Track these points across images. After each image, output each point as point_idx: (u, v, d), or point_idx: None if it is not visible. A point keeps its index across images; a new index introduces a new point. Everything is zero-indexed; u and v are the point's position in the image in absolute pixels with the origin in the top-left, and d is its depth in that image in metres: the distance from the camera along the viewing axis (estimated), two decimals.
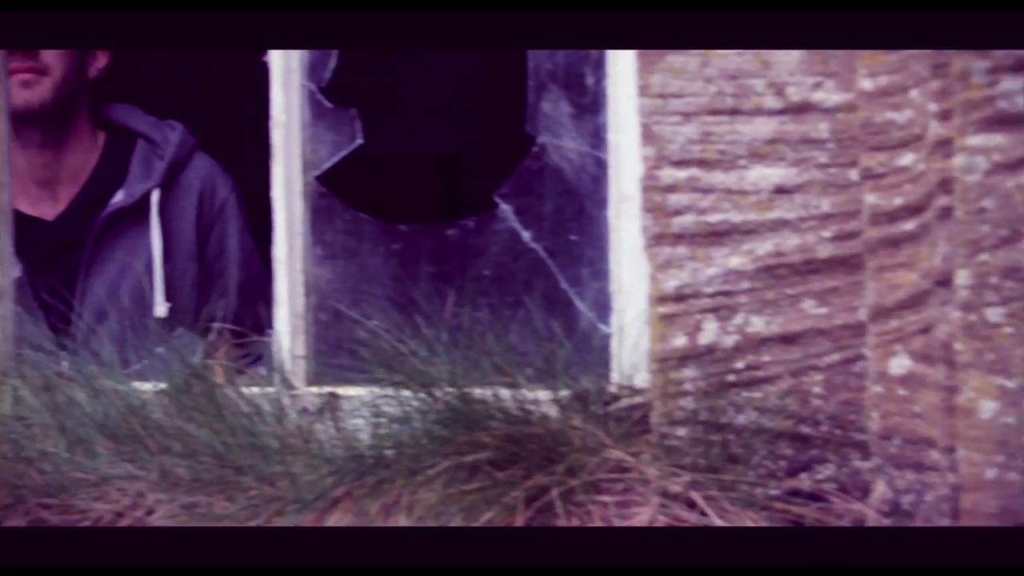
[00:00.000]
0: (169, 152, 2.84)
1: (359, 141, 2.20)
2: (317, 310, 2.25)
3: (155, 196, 2.81)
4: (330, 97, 2.20)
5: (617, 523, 1.73)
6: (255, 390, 2.18)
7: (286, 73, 2.21)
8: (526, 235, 2.12)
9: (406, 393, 1.93)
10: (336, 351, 2.25)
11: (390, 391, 2.03)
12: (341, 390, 2.18)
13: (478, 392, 1.85)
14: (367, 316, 2.18)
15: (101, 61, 2.86)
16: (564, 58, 2.06)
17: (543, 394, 1.92)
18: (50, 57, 2.77)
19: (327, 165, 2.21)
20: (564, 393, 1.93)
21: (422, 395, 1.89)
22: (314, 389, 2.21)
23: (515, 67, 2.18)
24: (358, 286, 2.23)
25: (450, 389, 1.85)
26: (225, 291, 2.81)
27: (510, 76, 2.34)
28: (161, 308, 2.75)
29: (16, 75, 2.74)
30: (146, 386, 2.21)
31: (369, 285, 2.23)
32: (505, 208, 2.12)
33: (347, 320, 2.23)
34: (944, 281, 1.59)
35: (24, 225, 2.74)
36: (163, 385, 2.20)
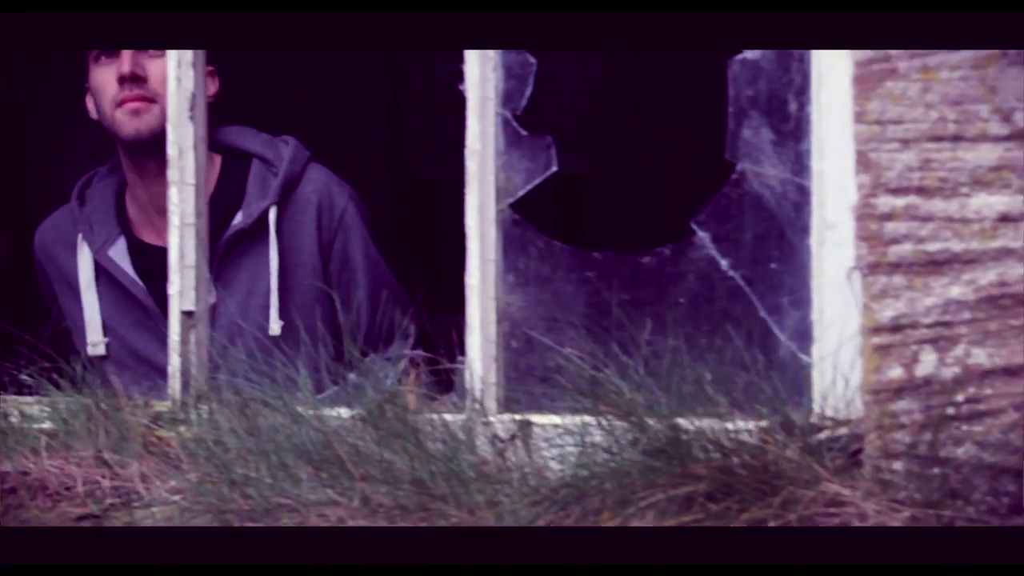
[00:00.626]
0: (283, 168, 2.80)
1: (554, 168, 2.17)
2: (509, 337, 2.22)
3: (272, 214, 2.78)
4: (525, 124, 2.17)
5: None
6: (448, 417, 2.16)
7: (482, 101, 2.19)
8: (724, 263, 2.07)
9: (609, 422, 1.90)
10: (527, 378, 2.22)
11: (590, 419, 2.00)
12: (534, 417, 2.15)
13: (685, 422, 1.81)
14: (560, 344, 2.15)
15: (211, 88, 2.82)
16: (766, 84, 2.01)
17: (746, 424, 1.87)
18: (158, 84, 2.70)
19: (521, 192, 2.18)
20: (765, 423, 1.88)
21: (627, 424, 1.86)
22: (506, 416, 2.18)
23: (715, 93, 2.14)
24: (551, 313, 2.20)
25: (658, 419, 1.81)
26: (351, 301, 2.77)
27: (710, 102, 2.29)
28: (275, 326, 2.72)
29: (125, 104, 2.73)
30: (340, 412, 2.20)
31: (562, 312, 2.19)
32: (703, 235, 2.07)
33: (539, 347, 2.20)
34: None
35: (151, 255, 2.77)
36: (356, 411, 2.18)
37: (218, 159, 2.85)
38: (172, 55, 2.38)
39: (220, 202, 2.77)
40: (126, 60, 2.72)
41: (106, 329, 2.81)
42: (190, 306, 2.38)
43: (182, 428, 2.32)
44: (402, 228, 4.82)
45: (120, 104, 2.70)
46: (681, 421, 1.79)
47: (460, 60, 2.21)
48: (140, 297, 2.80)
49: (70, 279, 2.85)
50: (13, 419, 2.40)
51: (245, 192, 2.80)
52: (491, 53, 2.18)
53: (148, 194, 2.80)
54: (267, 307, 2.75)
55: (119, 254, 2.82)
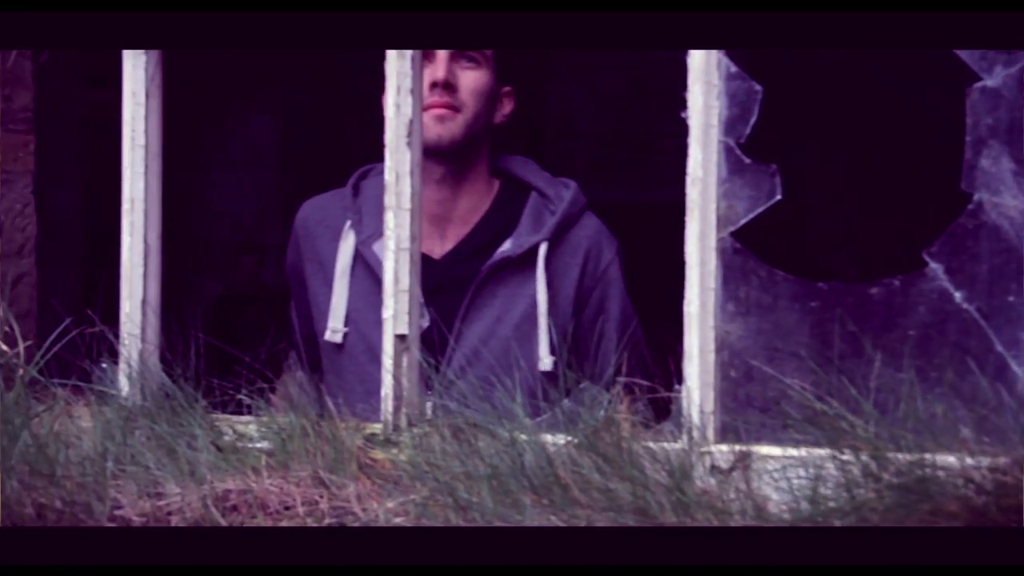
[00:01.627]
0: (561, 208, 2.79)
1: (778, 196, 2.11)
2: (727, 366, 2.16)
3: (543, 249, 2.76)
4: (749, 152, 2.12)
5: None
6: (665, 445, 2.11)
7: (705, 129, 2.14)
8: (958, 295, 1.99)
9: (844, 455, 1.83)
10: (746, 408, 2.15)
11: (820, 452, 1.93)
12: (755, 448, 2.09)
13: (929, 458, 1.73)
14: (781, 374, 2.08)
15: (507, 107, 2.82)
16: (1006, 113, 1.93)
17: (987, 461, 1.79)
18: (466, 95, 2.73)
19: (744, 221, 2.12)
20: (1006, 460, 1.79)
21: (866, 458, 1.78)
22: (724, 446, 2.12)
23: (950, 122, 2.06)
24: (771, 343, 2.14)
25: (902, 453, 1.73)
26: (595, 351, 2.72)
27: (944, 131, 2.21)
28: (547, 361, 2.69)
29: (432, 110, 2.71)
30: (555, 438, 2.15)
31: (783, 342, 2.13)
32: (935, 267, 2.00)
33: (759, 377, 2.13)
34: None
35: None
36: (572, 437, 2.14)
37: (496, 183, 2.86)
38: (392, 82, 2.37)
39: (490, 225, 2.79)
40: (441, 66, 2.73)
41: (347, 320, 2.80)
42: (403, 329, 2.35)
43: (395, 450, 2.30)
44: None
45: (427, 108, 2.68)
46: (928, 456, 1.71)
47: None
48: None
49: (324, 262, 2.85)
50: (227, 438, 2.39)
51: (518, 222, 2.80)
52: (715, 80, 2.13)
53: (425, 200, 2.78)
54: (512, 338, 2.72)
55: (382, 249, 2.84)
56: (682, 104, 2.17)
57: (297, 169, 7.95)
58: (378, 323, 2.39)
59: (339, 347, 2.80)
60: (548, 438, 2.15)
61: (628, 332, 2.78)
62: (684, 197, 2.16)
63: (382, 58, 2.40)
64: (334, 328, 2.80)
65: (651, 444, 2.11)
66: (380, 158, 2.42)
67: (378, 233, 2.76)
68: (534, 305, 2.74)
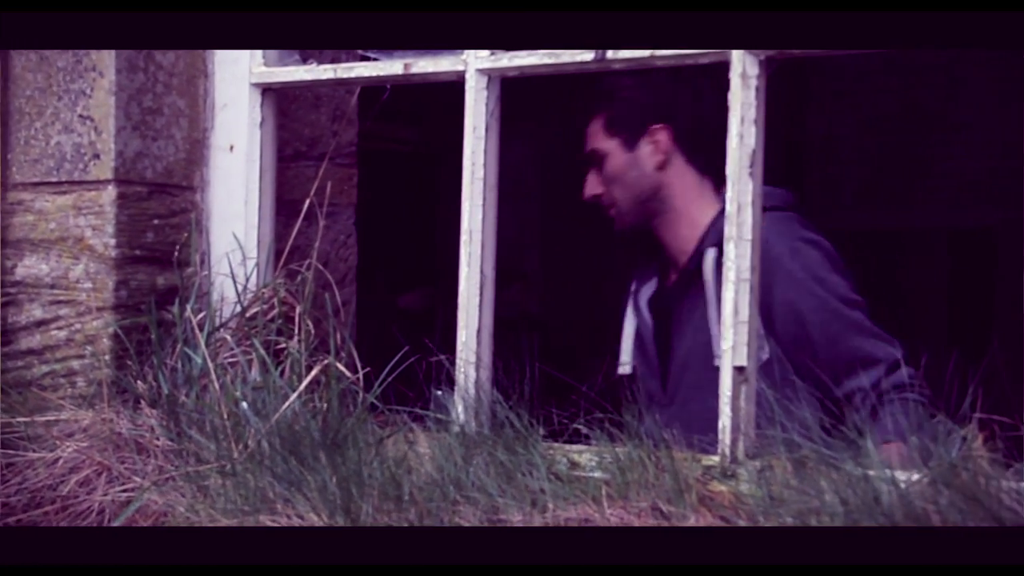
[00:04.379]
0: None
1: None
2: None
3: (710, 255, 2.67)
4: None
5: None
6: None
7: None
8: None
9: None
10: None
11: None
12: None
13: None
14: None
15: (662, 142, 2.77)
16: None
17: None
18: (610, 186, 2.80)
19: None
20: None
21: None
22: None
23: None
24: None
25: None
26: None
27: None
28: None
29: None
30: (907, 475, 1.97)
31: None
32: None
33: None
34: None
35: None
36: (925, 474, 1.96)
37: (721, 200, 2.77)
38: (735, 111, 2.24)
39: (706, 242, 2.73)
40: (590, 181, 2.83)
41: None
42: (741, 361, 2.21)
43: (733, 482, 2.16)
44: None
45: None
46: None
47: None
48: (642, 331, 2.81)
49: (632, 295, 2.90)
50: (561, 467, 2.29)
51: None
52: None
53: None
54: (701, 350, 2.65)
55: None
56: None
57: (555, 199, 7.92)
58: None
59: (630, 378, 2.83)
60: (900, 475, 1.97)
61: (832, 325, 2.60)
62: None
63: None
64: (623, 362, 2.84)
65: (1011, 483, 1.92)
66: None
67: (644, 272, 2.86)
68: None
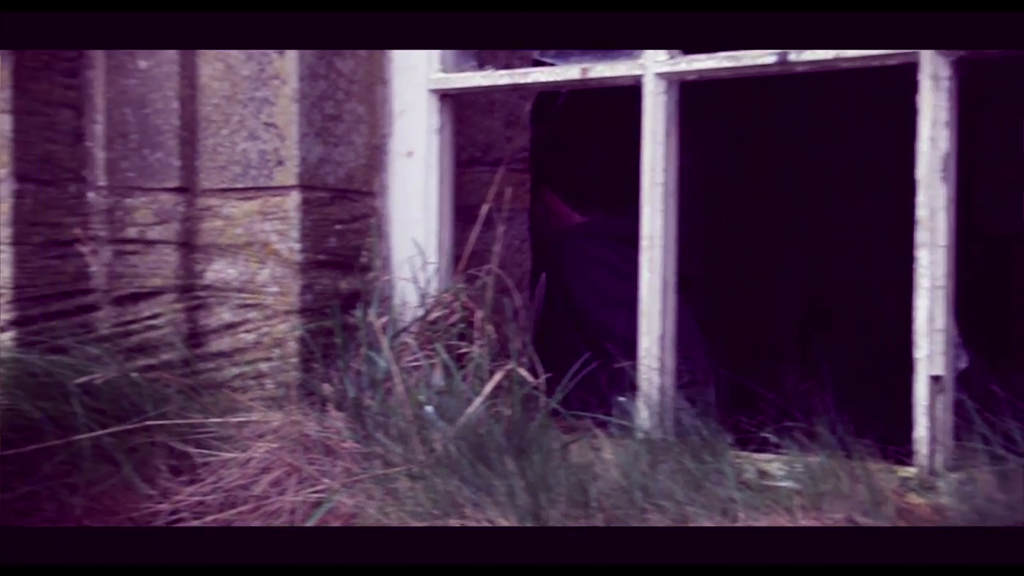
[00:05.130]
0: None
1: None
2: None
3: None
4: None
5: None
6: None
7: None
8: None
9: None
10: None
11: None
12: None
13: None
14: None
15: None
16: None
17: None
18: None
19: None
20: None
21: None
22: None
23: None
24: None
25: None
26: None
27: None
28: None
29: None
30: None
31: None
32: None
33: None
34: None
35: None
36: None
37: None
38: (926, 115, 2.17)
39: None
40: None
41: None
42: (938, 371, 2.14)
43: (932, 495, 2.09)
44: (972, 283, 4.46)
45: None
46: None
47: None
48: None
49: None
50: (749, 475, 2.25)
51: None
52: None
53: None
54: None
55: None
56: None
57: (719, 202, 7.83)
58: None
59: None
60: None
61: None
62: None
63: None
64: None
65: None
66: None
67: None
68: None
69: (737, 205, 2.94)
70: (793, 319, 4.90)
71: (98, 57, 2.74)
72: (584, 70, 2.57)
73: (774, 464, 2.23)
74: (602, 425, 2.41)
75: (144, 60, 2.76)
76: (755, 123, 4.93)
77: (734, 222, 4.69)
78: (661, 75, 2.48)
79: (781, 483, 2.18)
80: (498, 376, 2.47)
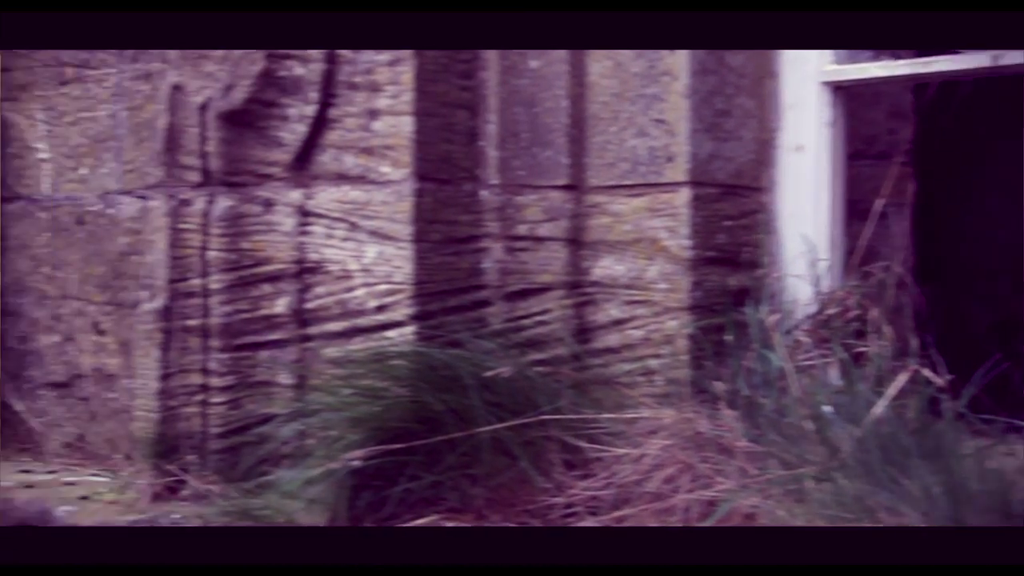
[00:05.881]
0: None
1: None
2: None
3: None
4: None
5: None
6: None
7: None
8: None
9: None
10: None
11: None
12: None
13: None
14: None
15: None
16: None
17: None
18: None
19: None
20: None
21: None
22: None
23: None
24: None
25: None
26: None
27: None
28: None
29: None
30: None
31: None
32: None
33: None
34: None
35: None
36: None
37: None
38: None
39: None
40: None
41: None
42: None
43: None
44: None
45: None
46: None
47: None
48: None
49: None
50: None
51: None
52: None
53: None
54: None
55: None
56: None
57: None
58: None
59: None
60: None
61: None
62: None
63: None
64: None
65: None
66: None
67: None
68: None
69: None
70: None
71: (491, 58, 2.78)
72: (995, 56, 2.43)
73: None
74: (1017, 431, 2.27)
75: (535, 60, 2.77)
76: None
77: None
78: None
79: None
80: (903, 377, 2.36)
